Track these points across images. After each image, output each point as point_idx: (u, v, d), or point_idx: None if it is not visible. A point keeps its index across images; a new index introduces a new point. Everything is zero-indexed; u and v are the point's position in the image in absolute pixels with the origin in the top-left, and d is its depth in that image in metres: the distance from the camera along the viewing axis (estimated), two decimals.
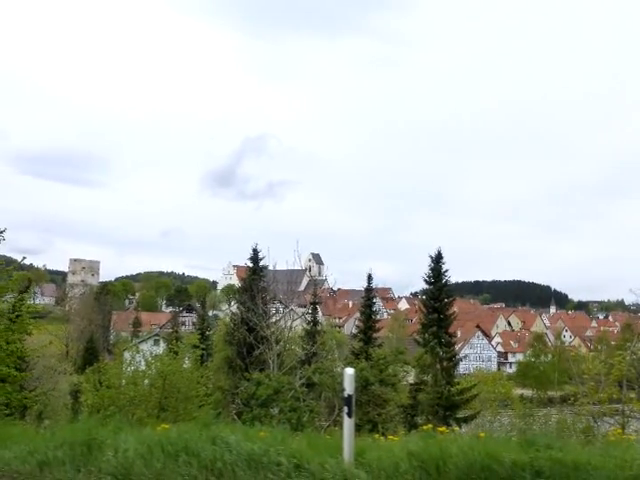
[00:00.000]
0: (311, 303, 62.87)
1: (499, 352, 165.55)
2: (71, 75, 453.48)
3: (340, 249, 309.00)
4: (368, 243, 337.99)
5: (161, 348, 56.78)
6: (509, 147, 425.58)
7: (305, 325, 58.48)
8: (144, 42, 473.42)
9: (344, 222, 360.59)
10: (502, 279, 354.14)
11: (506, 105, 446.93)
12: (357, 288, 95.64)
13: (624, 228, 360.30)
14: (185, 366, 36.14)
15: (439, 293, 55.27)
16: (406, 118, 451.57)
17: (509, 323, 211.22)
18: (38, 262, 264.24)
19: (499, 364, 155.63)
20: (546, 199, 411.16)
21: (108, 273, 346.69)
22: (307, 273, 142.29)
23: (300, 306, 66.67)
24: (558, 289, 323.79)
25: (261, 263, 56.19)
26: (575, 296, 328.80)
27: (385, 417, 38.94)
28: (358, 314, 72.17)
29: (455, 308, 60.20)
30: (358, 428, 12.29)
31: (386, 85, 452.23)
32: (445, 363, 53.69)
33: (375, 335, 61.20)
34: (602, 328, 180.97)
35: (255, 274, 55.70)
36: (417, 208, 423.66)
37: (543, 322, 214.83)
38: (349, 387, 10.39)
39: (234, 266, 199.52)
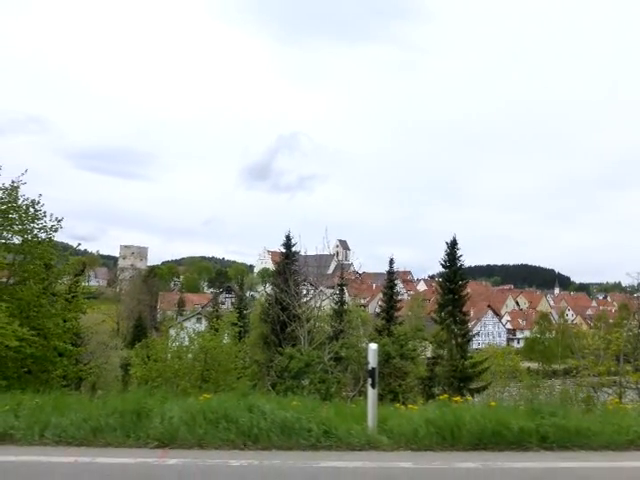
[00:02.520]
0: (338, 285, 62.82)
1: (508, 329, 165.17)
2: (122, 78, 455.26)
3: (365, 236, 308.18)
4: (390, 230, 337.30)
5: (203, 325, 56.97)
6: (517, 144, 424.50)
7: (333, 305, 58.37)
8: (189, 49, 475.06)
9: (369, 211, 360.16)
10: (511, 263, 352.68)
11: (514, 105, 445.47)
12: (380, 271, 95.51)
13: (621, 217, 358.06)
14: (225, 342, 36.27)
15: (454, 276, 55.27)
16: (424, 117, 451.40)
17: (517, 303, 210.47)
18: (92, 248, 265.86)
19: (508, 340, 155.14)
20: (551, 191, 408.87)
21: (155, 258, 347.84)
22: (335, 258, 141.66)
23: (328, 288, 66.56)
24: (561, 272, 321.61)
25: (293, 249, 56.23)
26: (577, 278, 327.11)
27: (405, 388, 38.87)
28: (381, 295, 72.08)
29: (468, 289, 60.04)
30: (381, 398, 12.29)
31: (406, 87, 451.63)
32: (459, 339, 53.65)
33: (396, 314, 61.21)
34: (601, 308, 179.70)
35: (288, 259, 55.76)
36: (434, 199, 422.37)
37: (548, 302, 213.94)
38: (373, 361, 10.40)
39: (269, 251, 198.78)
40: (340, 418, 10.36)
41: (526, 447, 9.88)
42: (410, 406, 12.83)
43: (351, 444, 9.62)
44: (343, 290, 63.79)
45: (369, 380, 10.40)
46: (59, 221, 25.41)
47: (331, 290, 65.20)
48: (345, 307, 59.39)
